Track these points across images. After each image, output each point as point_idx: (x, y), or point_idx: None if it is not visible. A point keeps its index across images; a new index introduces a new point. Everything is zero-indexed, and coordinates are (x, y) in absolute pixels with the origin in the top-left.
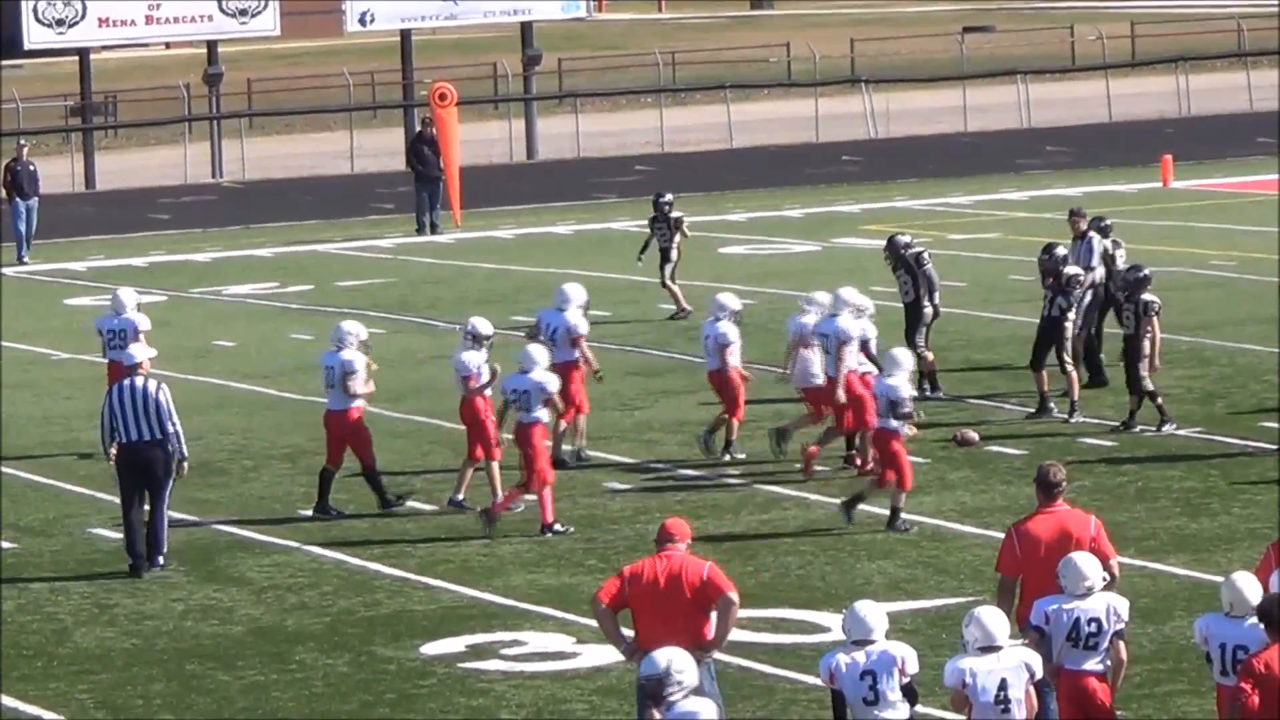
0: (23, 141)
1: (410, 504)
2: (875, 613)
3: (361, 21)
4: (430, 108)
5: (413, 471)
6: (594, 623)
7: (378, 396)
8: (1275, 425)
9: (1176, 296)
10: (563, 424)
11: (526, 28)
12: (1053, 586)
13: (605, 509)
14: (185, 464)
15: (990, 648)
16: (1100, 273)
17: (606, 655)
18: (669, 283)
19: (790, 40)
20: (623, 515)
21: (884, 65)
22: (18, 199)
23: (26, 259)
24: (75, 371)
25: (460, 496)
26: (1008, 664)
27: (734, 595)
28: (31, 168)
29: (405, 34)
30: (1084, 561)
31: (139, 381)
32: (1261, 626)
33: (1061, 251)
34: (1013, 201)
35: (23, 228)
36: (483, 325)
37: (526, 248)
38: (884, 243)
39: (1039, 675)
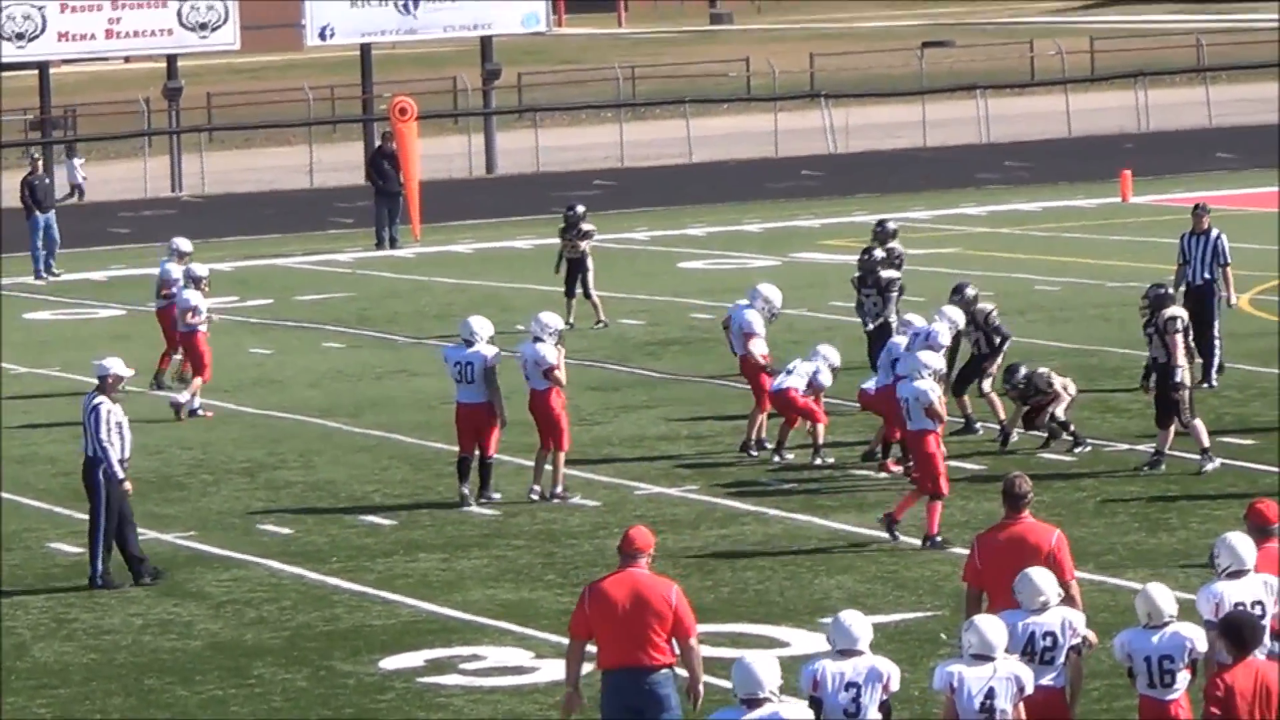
0: (36, 155)
1: (368, 518)
2: (861, 623)
3: (321, 36)
4: (390, 122)
5: (372, 486)
6: (552, 637)
7: (337, 411)
8: (1236, 441)
9: (1135, 312)
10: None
11: (486, 42)
12: (1014, 597)
13: (564, 524)
14: (124, 485)
15: (984, 657)
16: None
17: (564, 670)
18: (592, 294)
19: (750, 55)
20: (581, 530)
21: (843, 80)
22: (36, 213)
23: (57, 270)
24: (34, 386)
25: (538, 487)
26: (999, 675)
27: (694, 640)
28: (48, 181)
29: (365, 48)
30: (1039, 576)
31: (94, 398)
32: (1223, 643)
33: (971, 292)
34: (972, 216)
35: (40, 242)
36: (554, 320)
37: (486, 262)
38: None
39: (1029, 691)
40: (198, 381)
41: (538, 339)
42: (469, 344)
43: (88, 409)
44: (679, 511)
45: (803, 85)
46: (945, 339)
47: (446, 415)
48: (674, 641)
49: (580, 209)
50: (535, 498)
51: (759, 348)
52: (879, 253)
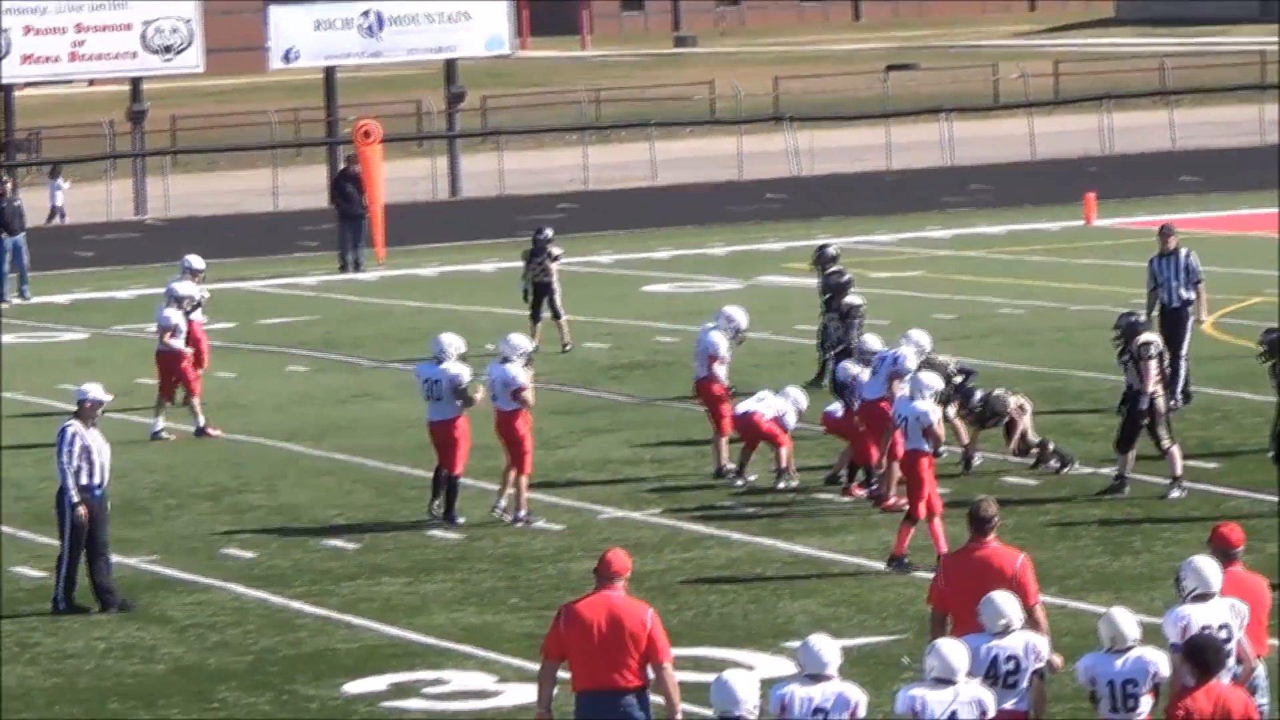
0: (6, 179)
1: (332, 542)
2: (830, 647)
3: (286, 59)
4: (354, 145)
5: (336, 510)
6: (516, 661)
7: (301, 434)
8: (1200, 464)
9: (1100, 335)
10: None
11: (450, 65)
12: (978, 621)
13: (528, 547)
14: (77, 510)
15: (946, 681)
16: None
17: (529, 694)
18: (561, 316)
19: (714, 78)
20: (545, 554)
21: (808, 103)
22: (4, 235)
23: (28, 294)
24: None
25: (503, 502)
26: (961, 699)
27: (669, 664)
28: (17, 203)
29: (329, 71)
30: (1002, 600)
31: (67, 422)
32: (1187, 666)
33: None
34: (936, 239)
35: (5, 266)
36: (523, 341)
37: (450, 285)
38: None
39: (991, 715)
40: (196, 402)
41: (506, 360)
42: (439, 361)
43: (58, 433)
44: (643, 535)
45: (767, 108)
46: (911, 363)
47: (411, 439)
48: (647, 666)
49: (548, 232)
50: (498, 514)
51: (721, 372)
52: (848, 275)
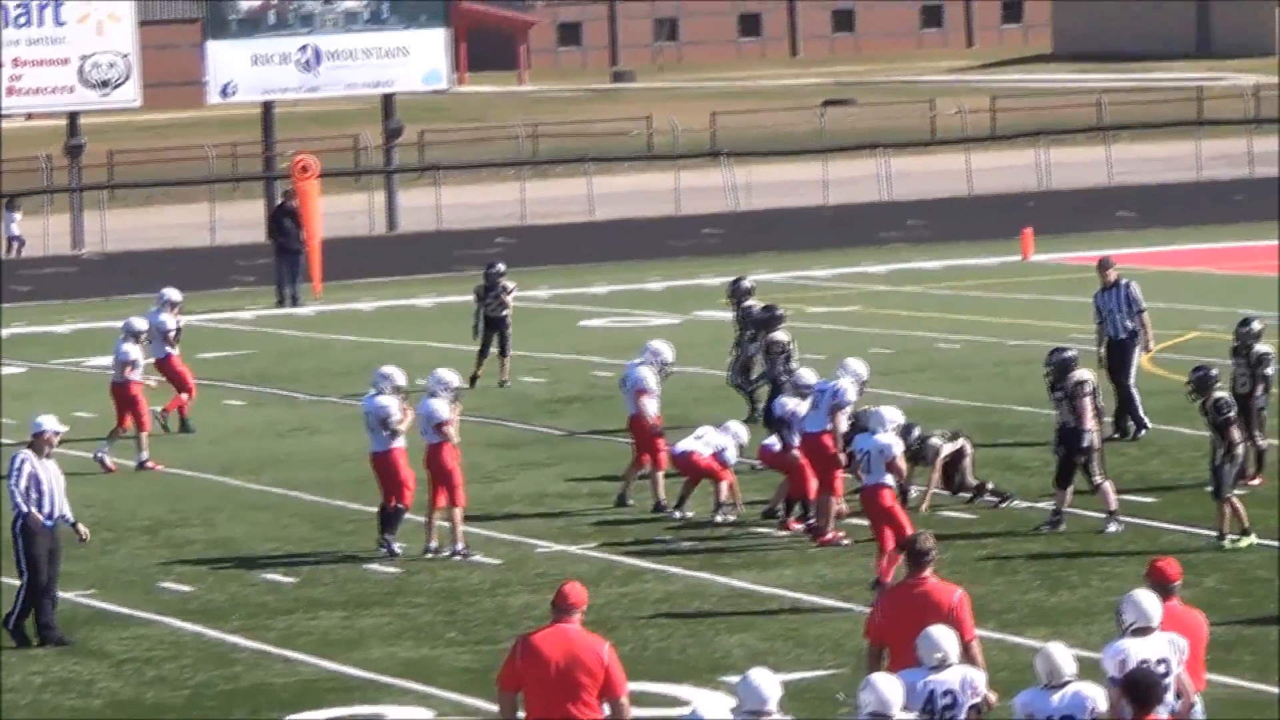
0: None
1: (269, 576)
2: (770, 682)
3: (223, 93)
4: (291, 180)
5: (273, 543)
6: (454, 695)
7: (238, 468)
8: (1137, 499)
9: (1036, 369)
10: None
11: (388, 100)
12: (915, 656)
13: (465, 581)
14: (28, 521)
15: (882, 715)
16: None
17: None
18: (508, 353)
19: (652, 113)
20: (483, 588)
21: (745, 138)
22: None
23: None
24: None
25: (434, 544)
26: None
27: (625, 698)
28: None
29: (267, 106)
30: (939, 634)
31: (19, 453)
32: (1125, 700)
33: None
34: (873, 274)
35: None
36: (451, 376)
37: (387, 320)
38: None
39: None
40: (144, 437)
41: (433, 394)
42: (379, 393)
43: (10, 462)
44: (580, 569)
45: (704, 143)
46: (851, 395)
47: (348, 473)
48: (603, 700)
49: (500, 266)
50: (431, 555)
51: (652, 406)
52: (777, 310)
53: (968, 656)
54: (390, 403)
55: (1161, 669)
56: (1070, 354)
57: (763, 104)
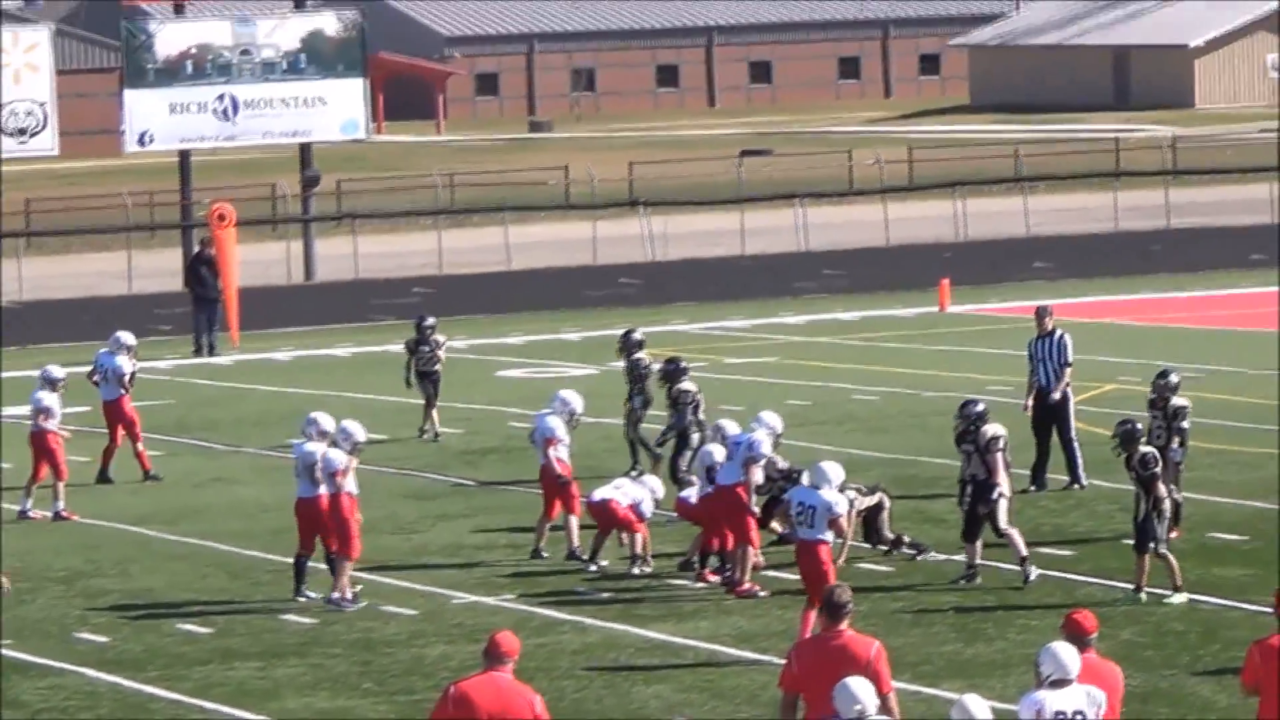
0: None
1: (185, 627)
2: None
3: (141, 142)
4: (209, 228)
5: (190, 594)
6: None
7: (155, 518)
8: (1054, 551)
9: (953, 422)
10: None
11: (305, 149)
12: (832, 708)
13: (381, 632)
14: None
15: None
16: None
17: None
18: (435, 406)
19: (569, 163)
20: (399, 638)
21: (662, 188)
22: None
23: None
24: None
25: (337, 595)
26: None
27: None
28: None
29: (184, 154)
30: (856, 686)
31: None
32: None
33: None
34: (790, 325)
35: None
36: (355, 429)
37: (304, 369)
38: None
39: None
40: (61, 486)
41: (334, 444)
42: (308, 439)
43: None
44: (496, 620)
45: (622, 193)
46: (766, 448)
47: (265, 523)
48: None
49: (431, 320)
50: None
51: (561, 454)
52: (680, 363)
53: (885, 709)
54: (317, 449)
55: None
56: (981, 408)
57: (680, 154)
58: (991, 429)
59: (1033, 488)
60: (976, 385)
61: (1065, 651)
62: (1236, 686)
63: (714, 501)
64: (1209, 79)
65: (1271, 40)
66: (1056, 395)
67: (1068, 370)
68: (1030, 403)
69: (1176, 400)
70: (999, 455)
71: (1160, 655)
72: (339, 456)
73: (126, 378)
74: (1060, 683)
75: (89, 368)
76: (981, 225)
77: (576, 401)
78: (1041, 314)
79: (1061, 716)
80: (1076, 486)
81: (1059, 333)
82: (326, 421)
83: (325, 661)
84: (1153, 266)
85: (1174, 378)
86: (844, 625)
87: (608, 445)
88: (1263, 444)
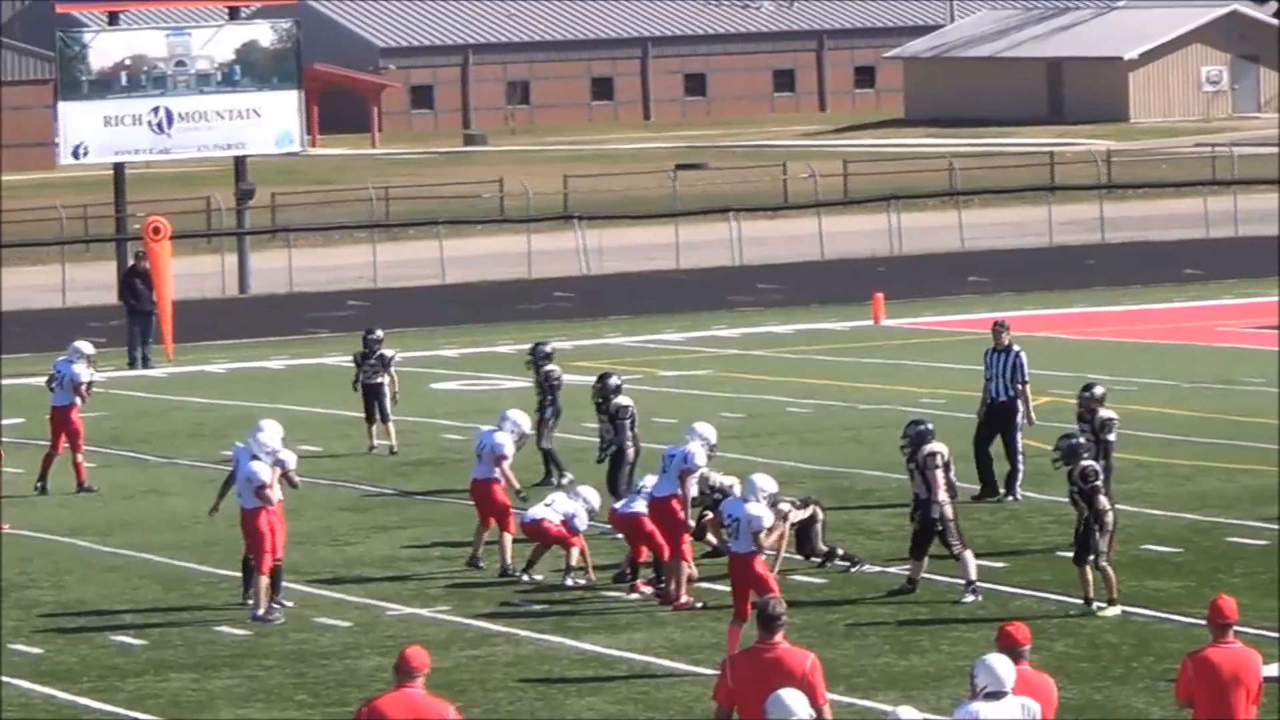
0: None
1: (119, 638)
2: None
3: (75, 155)
4: (143, 241)
5: (123, 606)
6: None
7: (88, 529)
8: (988, 563)
9: (887, 434)
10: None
11: (240, 162)
12: None
13: (315, 644)
14: None
15: None
16: None
17: None
18: (388, 420)
19: (503, 176)
20: (333, 650)
21: (597, 202)
22: None
23: None
24: None
25: (261, 611)
26: None
27: None
28: None
29: (119, 168)
30: (790, 698)
31: None
32: None
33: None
34: (724, 338)
35: None
36: (272, 440)
37: (239, 382)
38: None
39: None
40: None
41: (255, 457)
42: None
43: None
44: (430, 632)
45: (556, 207)
46: (700, 460)
47: (198, 535)
48: None
49: (379, 333)
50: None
51: (507, 472)
52: (614, 379)
53: None
54: (260, 468)
55: None
56: (925, 426)
57: (615, 167)
58: (931, 446)
59: (1009, 498)
60: (910, 398)
61: (1000, 663)
62: (1170, 699)
63: (649, 514)
64: (1143, 92)
65: (1206, 53)
66: (1033, 417)
67: (1026, 389)
68: (982, 412)
69: (1104, 412)
70: (937, 472)
71: (1094, 667)
72: (263, 470)
73: (83, 385)
74: (995, 695)
75: (19, 381)
76: (916, 239)
77: (525, 422)
78: (999, 329)
79: None
80: (1011, 499)
81: (1015, 349)
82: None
83: (259, 673)
84: (1087, 281)
85: (1099, 390)
86: (778, 638)
87: (540, 459)
88: (1196, 457)
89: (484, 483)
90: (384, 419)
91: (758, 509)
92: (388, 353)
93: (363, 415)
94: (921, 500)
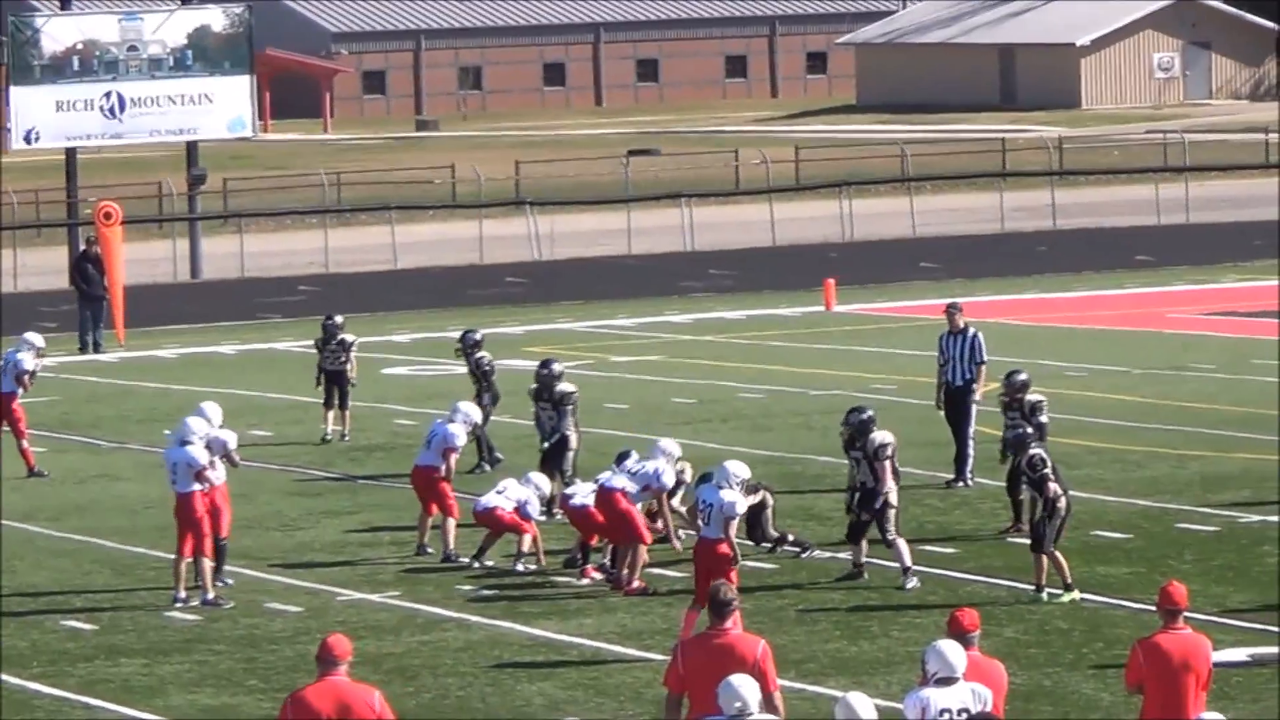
0: None
1: (70, 623)
2: None
3: (27, 139)
4: (95, 226)
5: (74, 591)
6: None
7: (39, 514)
8: (938, 549)
9: (838, 419)
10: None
11: (192, 147)
12: (717, 706)
13: (266, 629)
14: None
15: None
16: None
17: None
18: (347, 407)
19: (455, 162)
20: (283, 635)
21: (549, 187)
22: None
23: None
24: None
25: (182, 594)
26: None
27: None
28: None
29: (70, 152)
30: (739, 683)
31: None
32: None
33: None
34: (675, 324)
35: None
36: (201, 425)
37: (190, 367)
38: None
39: None
40: None
41: (186, 442)
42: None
43: None
44: (381, 617)
45: (508, 192)
46: (669, 479)
47: (149, 520)
48: None
49: (338, 319)
50: (180, 604)
51: (452, 464)
52: (556, 366)
53: (771, 707)
54: (198, 452)
55: (962, 718)
56: (868, 415)
57: (567, 153)
58: (880, 436)
59: (959, 484)
60: (862, 384)
61: (951, 650)
62: (1120, 685)
63: (598, 506)
64: (1095, 79)
65: (1157, 39)
66: (978, 396)
67: (983, 369)
68: (940, 399)
69: (1031, 397)
70: (887, 463)
71: (1044, 653)
72: (201, 453)
73: (26, 375)
74: (946, 680)
75: None
76: (867, 225)
77: (475, 414)
78: (953, 311)
79: (947, 714)
80: (961, 484)
81: (972, 331)
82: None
83: (210, 658)
84: (1039, 267)
85: (1022, 376)
86: (729, 623)
87: (492, 443)
88: (1147, 442)
89: (425, 470)
90: (343, 405)
91: (732, 495)
92: (348, 338)
93: (321, 400)
94: (867, 489)
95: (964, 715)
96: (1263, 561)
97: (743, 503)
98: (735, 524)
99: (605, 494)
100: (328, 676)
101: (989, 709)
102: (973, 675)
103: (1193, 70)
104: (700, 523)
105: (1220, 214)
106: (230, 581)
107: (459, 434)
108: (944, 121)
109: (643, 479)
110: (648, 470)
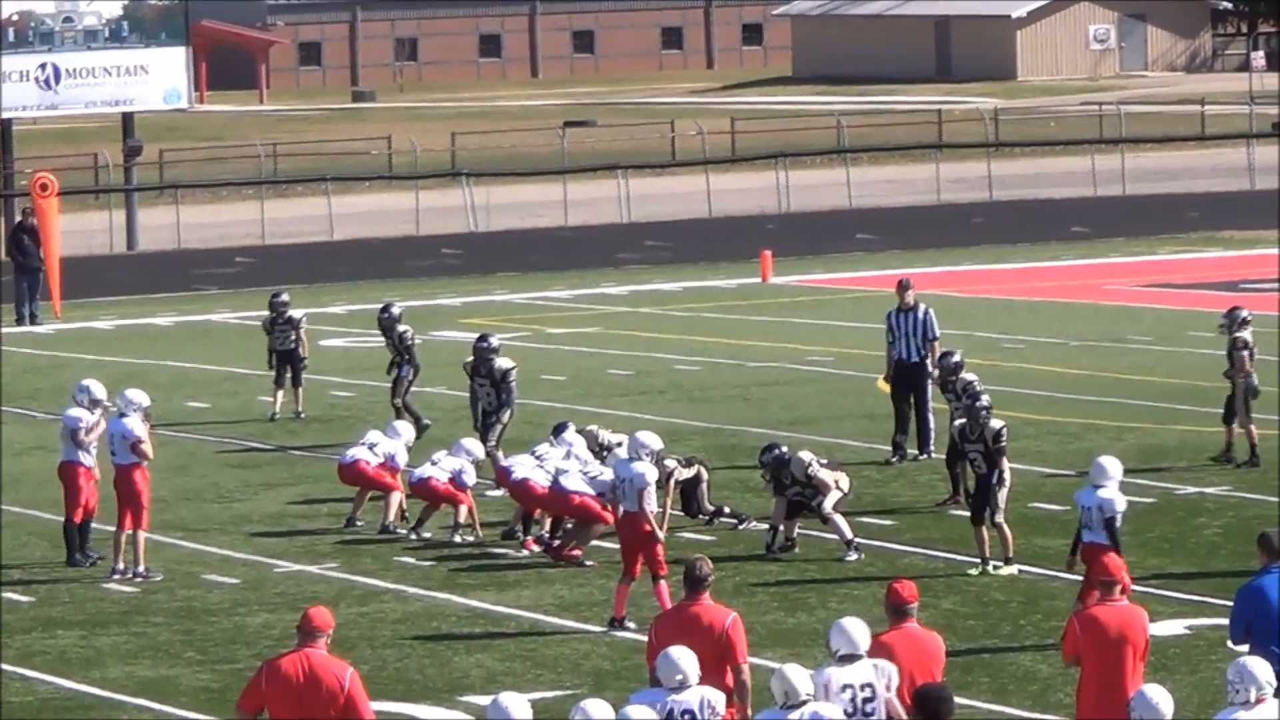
0: None
1: (6, 595)
2: (519, 705)
3: None
4: (31, 198)
5: (11, 565)
6: (192, 715)
7: None
8: (875, 521)
9: (775, 391)
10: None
11: (128, 118)
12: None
13: (204, 601)
14: None
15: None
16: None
17: None
18: (300, 385)
19: (392, 133)
20: (221, 607)
21: (485, 159)
22: None
23: None
24: None
25: (120, 566)
26: None
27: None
28: None
29: (5, 123)
30: (678, 655)
31: None
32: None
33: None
34: (612, 296)
35: None
36: (139, 396)
37: (127, 339)
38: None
39: None
40: None
41: (123, 415)
42: (77, 405)
43: None
44: (318, 589)
45: (444, 164)
46: (652, 478)
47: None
48: None
49: (285, 296)
50: (118, 577)
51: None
52: (494, 340)
53: (737, 679)
54: (82, 415)
55: (865, 693)
56: (779, 451)
57: (503, 124)
58: (804, 458)
59: (894, 459)
60: (798, 355)
61: (854, 626)
62: (1057, 657)
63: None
64: (1031, 50)
65: (1093, 11)
66: (935, 372)
67: (936, 344)
68: (889, 374)
69: (966, 376)
70: (824, 474)
71: (982, 625)
72: (137, 425)
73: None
74: (849, 658)
75: None
76: (804, 197)
77: (403, 457)
78: (903, 287)
79: (849, 690)
80: (925, 456)
81: (923, 307)
82: (98, 389)
83: (147, 630)
84: (975, 238)
85: (955, 357)
86: (703, 596)
87: (430, 414)
88: (1084, 415)
89: (351, 466)
90: (296, 383)
91: (642, 467)
92: (296, 314)
93: (272, 377)
94: (812, 498)
95: (867, 690)
96: (1199, 533)
97: (652, 472)
98: (651, 494)
99: (559, 493)
100: (305, 648)
101: (893, 685)
102: (911, 647)
103: (1129, 42)
104: (619, 497)
105: (1156, 185)
106: (98, 555)
107: (399, 450)
108: (880, 93)
109: (631, 486)
110: (629, 471)
